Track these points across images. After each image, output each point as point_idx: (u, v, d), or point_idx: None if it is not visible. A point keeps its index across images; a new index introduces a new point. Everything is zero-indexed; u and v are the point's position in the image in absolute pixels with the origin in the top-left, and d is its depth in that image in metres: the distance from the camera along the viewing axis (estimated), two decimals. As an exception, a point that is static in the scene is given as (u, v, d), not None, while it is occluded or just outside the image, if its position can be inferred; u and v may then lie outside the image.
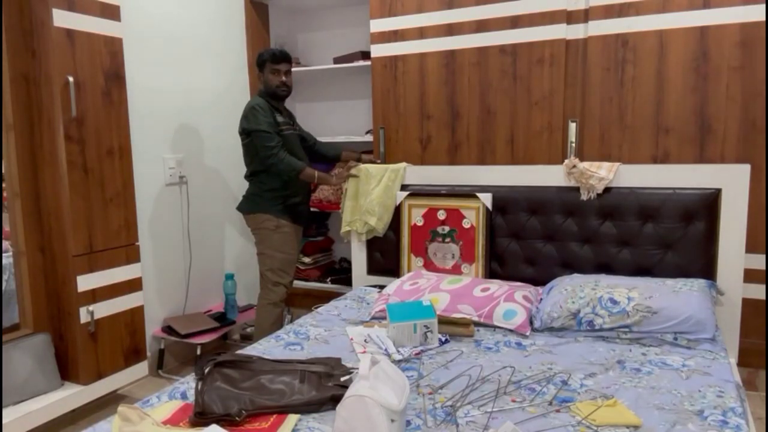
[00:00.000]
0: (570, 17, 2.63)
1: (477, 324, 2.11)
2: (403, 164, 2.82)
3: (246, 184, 2.85)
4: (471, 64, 2.85)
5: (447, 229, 2.65)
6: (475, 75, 2.85)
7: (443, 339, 1.98)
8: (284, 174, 2.68)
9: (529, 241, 2.53)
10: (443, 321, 2.04)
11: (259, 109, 2.64)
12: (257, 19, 3.52)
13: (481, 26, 2.80)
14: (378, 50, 3.05)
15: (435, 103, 2.95)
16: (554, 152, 2.72)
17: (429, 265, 2.70)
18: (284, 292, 2.82)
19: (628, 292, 2.00)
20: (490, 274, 2.58)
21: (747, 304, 2.36)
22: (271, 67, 2.71)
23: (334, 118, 3.77)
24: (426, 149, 3.00)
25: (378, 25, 3.03)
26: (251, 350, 1.92)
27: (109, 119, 2.43)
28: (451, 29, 2.86)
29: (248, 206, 2.81)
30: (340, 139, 3.44)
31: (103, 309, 2.44)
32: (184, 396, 1.57)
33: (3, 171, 2.31)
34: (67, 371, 2.41)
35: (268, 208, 2.75)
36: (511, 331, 2.06)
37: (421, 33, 2.93)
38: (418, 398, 1.53)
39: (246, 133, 2.69)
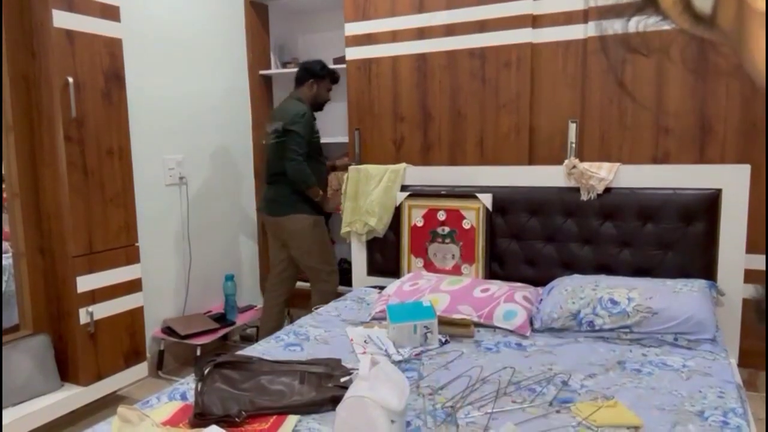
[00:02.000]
0: (569, 18, 2.63)
1: (477, 325, 2.11)
2: (403, 165, 2.81)
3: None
4: (441, 67, 2.88)
5: (447, 229, 2.64)
6: (445, 78, 2.88)
7: (443, 340, 1.97)
8: (294, 179, 2.81)
9: (530, 241, 2.53)
10: (443, 322, 2.04)
11: (308, 116, 2.83)
12: (257, 19, 3.52)
13: (451, 30, 2.83)
14: (352, 53, 3.08)
15: (408, 105, 2.98)
16: (521, 154, 2.77)
17: (429, 266, 2.69)
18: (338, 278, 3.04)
19: (629, 293, 1.99)
20: (490, 274, 2.58)
21: (747, 304, 2.35)
22: (329, 85, 2.96)
23: (333, 119, 3.76)
24: (399, 150, 3.04)
25: (352, 28, 3.06)
26: (251, 351, 1.91)
27: (108, 120, 2.42)
28: (422, 33, 2.89)
29: (283, 209, 2.92)
30: (339, 139, 3.44)
31: (103, 310, 2.43)
32: (183, 397, 1.57)
33: (3, 172, 2.31)
34: (67, 372, 2.41)
35: (303, 207, 2.90)
36: (511, 331, 2.05)
37: (394, 36, 2.96)
38: (418, 399, 1.53)
39: (285, 131, 2.79)
